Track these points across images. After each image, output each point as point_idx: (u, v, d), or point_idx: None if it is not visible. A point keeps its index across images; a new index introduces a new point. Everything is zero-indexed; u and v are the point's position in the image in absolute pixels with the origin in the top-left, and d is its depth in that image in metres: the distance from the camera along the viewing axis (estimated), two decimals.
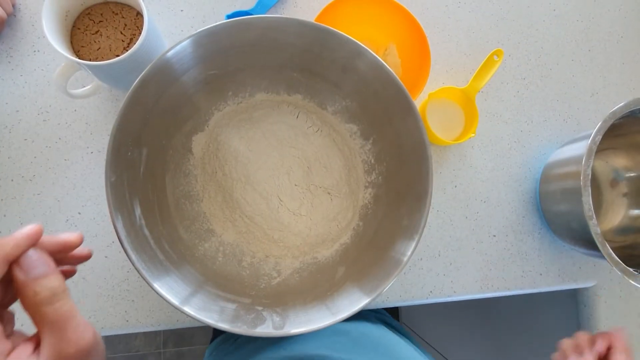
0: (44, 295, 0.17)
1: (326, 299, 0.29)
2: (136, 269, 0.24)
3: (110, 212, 0.24)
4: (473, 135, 0.45)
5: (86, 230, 0.40)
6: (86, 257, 0.23)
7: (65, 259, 0.22)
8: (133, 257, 0.24)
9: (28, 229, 0.18)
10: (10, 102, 0.40)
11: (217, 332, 0.52)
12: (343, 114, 0.39)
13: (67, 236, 0.20)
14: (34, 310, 0.17)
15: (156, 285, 0.24)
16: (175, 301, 0.24)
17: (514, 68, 0.50)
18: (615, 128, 0.42)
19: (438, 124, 0.46)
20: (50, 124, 0.40)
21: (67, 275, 0.22)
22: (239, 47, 0.30)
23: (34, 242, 0.18)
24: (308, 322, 0.26)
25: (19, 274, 0.17)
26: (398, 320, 1.24)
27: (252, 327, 0.25)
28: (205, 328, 1.00)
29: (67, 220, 0.40)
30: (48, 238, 0.19)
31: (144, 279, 0.24)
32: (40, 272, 0.17)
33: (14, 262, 0.17)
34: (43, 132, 0.40)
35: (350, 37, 0.28)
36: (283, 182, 0.38)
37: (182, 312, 0.25)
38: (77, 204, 0.40)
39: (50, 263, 0.18)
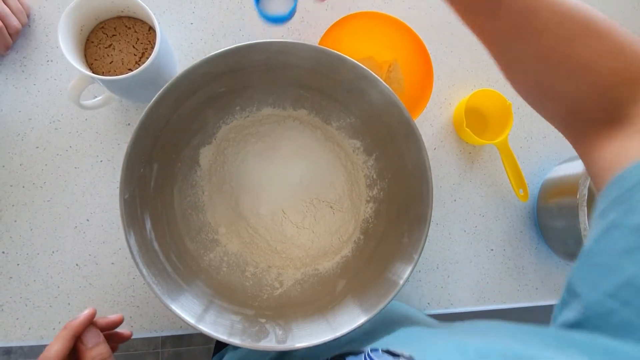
0: (98, 358, 0.26)
1: (327, 313, 0.30)
2: (152, 290, 0.25)
3: (125, 229, 0.25)
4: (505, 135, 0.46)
5: (94, 237, 0.41)
6: (127, 337, 0.31)
7: (113, 335, 0.30)
8: (144, 272, 0.25)
9: (88, 313, 0.26)
10: (23, 110, 0.41)
11: (219, 343, 0.53)
12: (347, 130, 0.40)
13: (113, 317, 0.29)
14: None
15: (172, 306, 0.25)
16: (191, 320, 0.25)
17: None
18: None
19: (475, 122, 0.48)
20: (62, 132, 0.41)
21: (121, 340, 0.31)
22: (249, 68, 0.31)
23: (91, 320, 0.27)
24: (309, 336, 0.27)
25: (80, 345, 0.26)
26: None
27: (256, 340, 0.26)
28: None
29: (76, 226, 0.41)
30: (99, 318, 0.28)
31: (160, 300, 0.25)
32: (94, 342, 0.26)
33: (78, 336, 0.26)
34: (54, 140, 0.41)
35: (356, 62, 0.29)
36: (287, 194, 0.39)
37: (198, 329, 0.26)
38: (86, 211, 0.41)
39: (101, 336, 0.27)
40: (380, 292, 0.28)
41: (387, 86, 0.30)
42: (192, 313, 0.26)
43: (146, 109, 0.25)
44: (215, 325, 0.26)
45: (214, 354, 0.51)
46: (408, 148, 0.32)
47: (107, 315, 0.30)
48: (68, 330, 0.25)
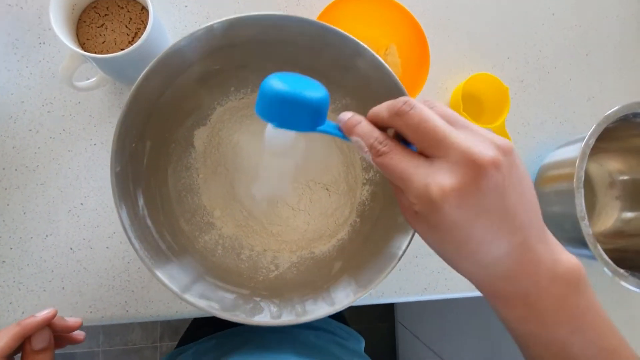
0: None
1: (323, 292, 0.30)
2: (139, 256, 0.24)
3: (116, 202, 0.25)
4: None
5: (88, 221, 0.40)
6: (78, 341, 0.29)
7: (63, 337, 0.28)
8: (136, 245, 0.25)
9: (46, 316, 0.25)
10: (15, 92, 0.41)
11: (183, 340, 0.52)
12: (342, 111, 0.39)
13: (71, 321, 0.27)
14: None
15: (158, 273, 0.25)
16: (175, 289, 0.25)
17: (512, 70, 0.51)
18: (609, 132, 0.43)
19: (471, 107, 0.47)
20: (55, 115, 0.41)
21: (70, 342, 0.29)
22: (241, 44, 0.31)
23: (48, 323, 0.25)
24: (304, 313, 0.27)
25: (27, 343, 0.25)
26: (394, 320, 1.25)
27: (250, 316, 0.26)
28: None
29: (70, 210, 0.40)
30: (57, 319, 0.26)
31: (146, 265, 0.24)
32: (41, 346, 0.25)
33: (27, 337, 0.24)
34: (47, 123, 0.41)
35: (350, 35, 0.29)
36: (282, 177, 0.39)
37: (182, 299, 0.25)
38: (79, 195, 0.41)
39: (51, 341, 0.25)
40: (376, 268, 0.28)
41: (383, 61, 0.29)
42: (178, 283, 0.26)
43: (137, 80, 0.25)
44: (202, 299, 0.26)
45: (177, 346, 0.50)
46: None
47: (66, 318, 0.27)
48: (20, 329, 0.24)
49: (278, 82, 0.21)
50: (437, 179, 0.18)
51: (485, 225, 0.19)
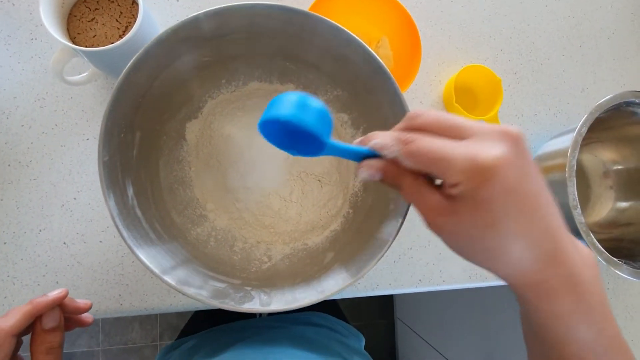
0: (47, 345, 0.24)
1: (313, 280, 0.30)
2: (129, 247, 0.24)
3: (103, 191, 0.25)
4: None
5: (81, 215, 0.41)
6: (88, 324, 0.29)
7: (72, 319, 0.28)
8: (124, 233, 0.25)
9: (58, 295, 0.25)
10: (8, 88, 0.41)
11: (182, 335, 0.52)
12: (334, 104, 0.39)
13: (81, 303, 0.27)
14: (35, 355, 0.24)
15: (139, 253, 0.25)
16: (156, 269, 0.25)
17: (505, 62, 0.51)
18: (602, 122, 0.43)
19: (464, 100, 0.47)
20: (47, 110, 0.41)
21: (80, 325, 0.29)
22: (230, 34, 0.31)
23: (59, 303, 0.25)
24: (294, 300, 0.27)
25: (37, 322, 0.25)
26: (393, 316, 1.25)
27: (239, 303, 0.26)
28: None
29: (63, 205, 0.40)
30: (67, 300, 0.26)
31: (128, 246, 0.24)
32: (51, 326, 0.25)
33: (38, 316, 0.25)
34: (40, 119, 0.41)
35: (339, 25, 0.29)
36: (275, 168, 0.39)
37: (176, 290, 0.25)
38: (72, 189, 0.41)
39: (61, 320, 0.25)
40: (368, 256, 0.28)
41: (372, 50, 0.29)
42: (159, 265, 0.26)
43: (124, 69, 0.25)
44: (187, 285, 0.26)
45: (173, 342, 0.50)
46: (394, 115, 0.31)
47: (76, 299, 0.27)
48: (32, 307, 0.24)
49: (280, 107, 0.21)
50: (484, 149, 0.17)
51: (533, 193, 0.18)
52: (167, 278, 0.25)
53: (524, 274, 0.19)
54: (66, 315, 0.27)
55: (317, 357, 0.37)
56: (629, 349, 0.20)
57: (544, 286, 0.19)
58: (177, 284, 0.25)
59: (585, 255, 0.20)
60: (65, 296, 0.25)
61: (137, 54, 0.25)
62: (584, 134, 0.40)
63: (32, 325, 0.25)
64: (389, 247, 0.27)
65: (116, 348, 1.17)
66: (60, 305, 0.26)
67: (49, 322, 0.24)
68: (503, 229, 0.18)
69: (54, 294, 0.25)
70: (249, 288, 0.29)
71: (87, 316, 0.29)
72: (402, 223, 0.27)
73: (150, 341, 1.20)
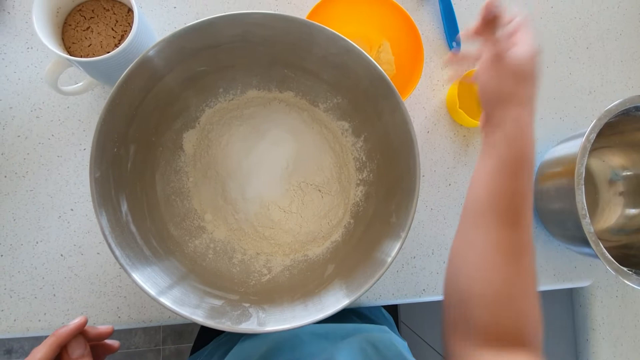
0: None
1: (313, 296, 0.29)
2: (122, 265, 0.24)
3: (95, 208, 0.24)
4: None
5: (78, 227, 0.40)
6: (115, 349, 0.30)
7: (100, 345, 0.29)
8: (117, 252, 0.24)
9: (78, 322, 0.26)
10: (3, 98, 0.40)
11: (197, 344, 0.52)
12: (335, 112, 0.38)
13: (103, 328, 0.28)
14: None
15: (133, 274, 0.24)
16: (152, 291, 0.24)
17: None
18: (611, 126, 0.42)
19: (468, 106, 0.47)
20: (44, 120, 0.41)
21: (109, 352, 0.30)
22: (226, 44, 0.30)
23: (80, 330, 0.26)
24: (292, 319, 0.26)
25: (64, 354, 0.25)
26: (397, 321, 1.24)
27: (236, 323, 0.25)
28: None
29: (60, 216, 0.40)
30: (89, 327, 0.27)
31: (124, 268, 0.24)
32: (79, 353, 0.25)
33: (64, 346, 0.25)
34: (36, 129, 0.40)
35: (337, 32, 0.28)
36: (274, 178, 0.38)
37: (172, 311, 0.25)
38: (70, 201, 0.40)
39: (87, 347, 0.26)
40: (367, 273, 0.27)
41: (370, 57, 0.29)
42: (155, 286, 0.25)
43: (116, 83, 0.24)
44: (193, 308, 0.25)
45: (191, 353, 0.50)
46: (394, 123, 0.30)
47: (97, 326, 0.28)
48: (55, 338, 0.25)
49: None
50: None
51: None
52: (162, 299, 0.24)
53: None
54: (92, 343, 0.28)
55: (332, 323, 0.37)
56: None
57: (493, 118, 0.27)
58: (172, 305, 0.24)
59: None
60: (85, 323, 0.26)
61: (128, 68, 0.24)
62: (592, 141, 0.39)
63: (59, 358, 0.25)
64: (387, 268, 0.26)
65: (119, 352, 1.17)
66: (82, 332, 0.26)
67: (75, 350, 0.25)
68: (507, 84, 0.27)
69: (74, 322, 0.26)
70: (247, 304, 0.29)
71: (113, 342, 0.30)
72: (402, 243, 0.27)
73: (153, 346, 1.19)
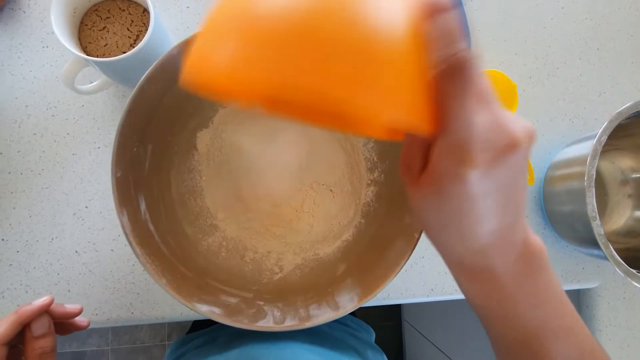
0: (39, 351, 0.25)
1: (327, 296, 0.29)
2: (142, 264, 0.24)
3: (117, 207, 0.25)
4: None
5: (93, 224, 0.41)
6: (83, 327, 0.29)
7: (66, 324, 0.29)
8: (138, 251, 0.24)
9: (42, 303, 0.25)
10: (19, 97, 0.41)
11: (194, 328, 0.52)
12: None
13: (70, 307, 0.28)
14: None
15: (163, 282, 0.25)
16: (180, 297, 0.25)
17: (520, 66, 0.50)
18: (621, 128, 0.42)
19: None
20: (59, 119, 0.41)
21: (75, 329, 0.29)
22: None
23: (45, 310, 0.26)
24: (308, 318, 0.26)
25: (27, 330, 0.25)
26: (400, 318, 1.24)
27: (253, 321, 0.26)
28: None
29: (75, 213, 0.40)
30: (56, 306, 0.27)
31: (151, 275, 0.24)
32: (40, 332, 0.25)
33: (27, 324, 0.25)
34: (51, 127, 0.41)
35: None
36: (286, 178, 0.39)
37: (189, 307, 0.25)
38: (84, 198, 0.41)
39: (50, 326, 0.26)
40: (380, 272, 0.28)
41: None
42: (182, 290, 0.25)
43: (137, 85, 0.25)
44: (210, 306, 0.25)
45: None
46: None
47: (65, 305, 0.28)
48: (17, 317, 0.25)
49: None
50: (519, 121, 0.17)
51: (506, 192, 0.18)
52: (195, 304, 0.25)
53: (448, 255, 0.21)
54: (59, 321, 0.27)
55: (332, 352, 0.37)
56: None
57: (464, 268, 0.21)
58: (200, 306, 0.25)
59: (530, 247, 0.20)
60: (50, 304, 0.26)
61: (149, 70, 0.25)
62: (603, 143, 0.39)
63: (22, 334, 0.25)
64: (402, 267, 0.26)
65: (125, 347, 1.18)
66: (48, 311, 0.26)
67: (38, 328, 0.25)
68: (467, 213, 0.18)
69: (39, 301, 0.26)
70: (261, 302, 0.29)
71: (81, 320, 0.29)
72: (416, 242, 0.27)
73: (159, 340, 1.21)
